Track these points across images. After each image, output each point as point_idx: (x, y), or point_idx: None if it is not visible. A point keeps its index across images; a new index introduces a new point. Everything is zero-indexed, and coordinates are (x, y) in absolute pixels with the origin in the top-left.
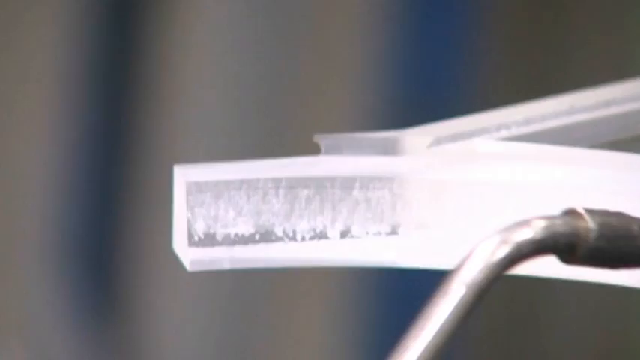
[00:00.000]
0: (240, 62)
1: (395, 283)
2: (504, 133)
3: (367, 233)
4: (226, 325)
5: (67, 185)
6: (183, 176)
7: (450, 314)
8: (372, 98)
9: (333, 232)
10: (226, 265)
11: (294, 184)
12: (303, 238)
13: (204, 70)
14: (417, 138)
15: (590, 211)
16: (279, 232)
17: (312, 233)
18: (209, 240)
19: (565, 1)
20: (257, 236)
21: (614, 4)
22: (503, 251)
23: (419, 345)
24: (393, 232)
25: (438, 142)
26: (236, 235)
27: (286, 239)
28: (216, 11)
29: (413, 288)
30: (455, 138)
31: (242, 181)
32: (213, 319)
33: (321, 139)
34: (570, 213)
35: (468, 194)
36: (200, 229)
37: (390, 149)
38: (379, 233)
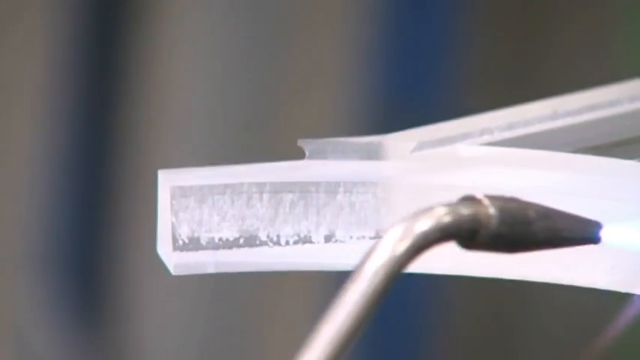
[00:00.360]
0: (224, 67)
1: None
2: (487, 138)
3: (351, 237)
4: (211, 329)
5: (51, 189)
6: (168, 181)
7: (360, 302)
8: (355, 103)
9: (318, 237)
10: (210, 270)
11: (278, 189)
12: (287, 243)
13: (189, 74)
14: (400, 143)
15: (490, 197)
16: (263, 236)
17: (296, 237)
18: (193, 244)
19: (548, 6)
20: (241, 240)
21: (597, 10)
22: (409, 239)
23: (330, 333)
24: (377, 236)
25: (422, 146)
26: (220, 239)
27: (270, 243)
28: (201, 16)
29: (396, 291)
30: (438, 143)
31: (226, 186)
32: (197, 323)
33: (306, 144)
34: (471, 199)
35: (451, 198)
36: (184, 233)
37: (374, 154)
38: (363, 237)
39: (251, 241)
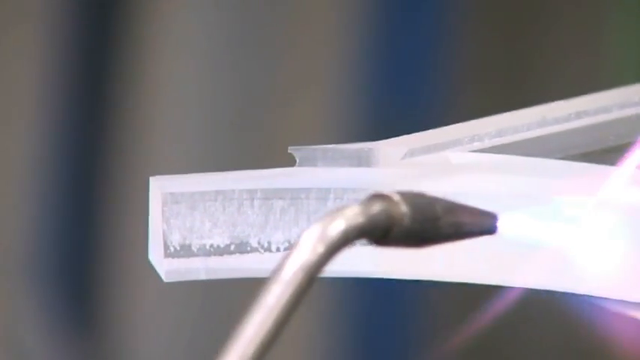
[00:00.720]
0: (215, 74)
1: (371, 294)
2: (477, 145)
3: None
4: (203, 336)
5: (42, 196)
6: (159, 187)
7: (279, 306)
8: (346, 110)
9: None
10: (202, 276)
11: (269, 195)
12: (278, 249)
13: (180, 81)
14: (390, 149)
15: (401, 194)
16: (254, 242)
17: (287, 244)
18: (185, 251)
19: (538, 14)
20: (232, 247)
21: (586, 17)
22: (326, 240)
23: (248, 337)
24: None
25: (412, 153)
26: (212, 245)
27: (261, 250)
28: (191, 23)
29: (389, 298)
30: (428, 149)
31: (217, 192)
32: (189, 330)
33: (296, 151)
34: (383, 197)
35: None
36: (176, 240)
37: (364, 160)
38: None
39: (242, 247)
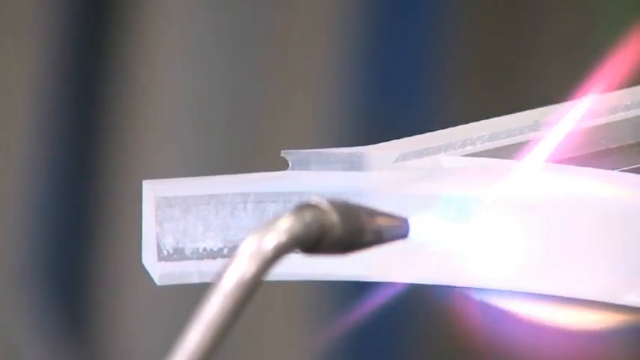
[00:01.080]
0: (208, 78)
1: (363, 297)
2: (470, 149)
3: None
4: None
5: (34, 200)
6: (152, 191)
7: (220, 318)
8: (338, 114)
9: None
10: (195, 280)
11: (262, 199)
12: None
13: (173, 85)
14: (383, 153)
15: (331, 203)
16: None
17: None
18: (178, 254)
19: (530, 17)
20: (225, 250)
21: (578, 21)
22: (264, 252)
23: (188, 349)
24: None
25: (404, 157)
26: (205, 249)
27: None
28: (183, 27)
29: (383, 302)
30: (421, 153)
31: (210, 196)
32: (182, 332)
33: (289, 155)
34: (314, 206)
35: (433, 209)
36: (169, 243)
37: (357, 165)
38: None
39: (235, 251)
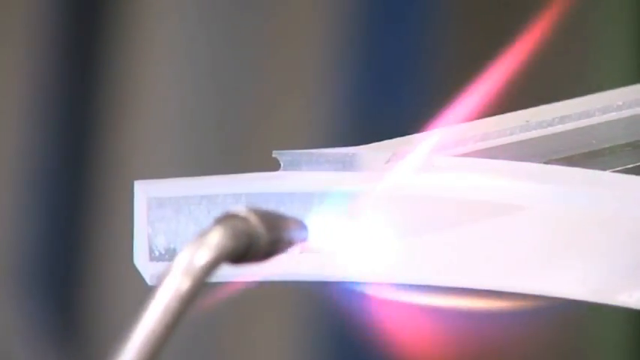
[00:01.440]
0: (199, 78)
1: (354, 299)
2: (461, 149)
3: (326, 248)
4: (188, 340)
5: (26, 200)
6: (144, 191)
7: (154, 335)
8: (330, 114)
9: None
10: None
11: (253, 200)
12: None
13: (164, 85)
14: (375, 154)
15: (256, 213)
16: None
17: None
18: (170, 255)
19: (521, 18)
20: None
21: (569, 21)
22: (196, 269)
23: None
24: (352, 247)
25: (396, 157)
26: None
27: None
28: (175, 27)
29: (372, 303)
30: (412, 154)
31: (202, 197)
32: (175, 334)
33: (280, 155)
34: (240, 218)
35: (425, 210)
36: (161, 243)
37: (349, 165)
38: (337, 249)
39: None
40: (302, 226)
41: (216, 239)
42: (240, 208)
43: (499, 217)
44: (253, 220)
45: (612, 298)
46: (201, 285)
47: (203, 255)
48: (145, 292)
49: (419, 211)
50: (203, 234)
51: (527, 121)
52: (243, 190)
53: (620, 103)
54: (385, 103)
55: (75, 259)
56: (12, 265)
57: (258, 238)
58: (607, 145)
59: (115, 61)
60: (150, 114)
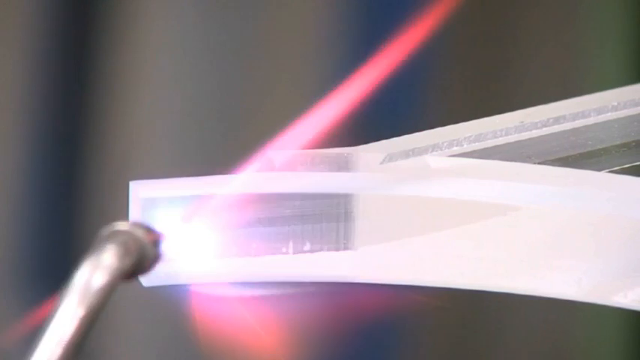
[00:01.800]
0: (195, 78)
1: (349, 300)
2: (456, 149)
3: (320, 249)
4: (184, 341)
5: (20, 201)
6: (139, 192)
7: (62, 335)
8: (325, 114)
9: (287, 248)
10: (182, 281)
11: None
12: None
13: (160, 85)
14: (369, 154)
15: (141, 228)
16: None
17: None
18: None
19: (515, 18)
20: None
21: (563, 22)
22: (91, 292)
23: None
24: (347, 247)
25: (391, 158)
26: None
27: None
28: (170, 27)
29: (367, 303)
30: (407, 154)
31: (197, 197)
32: (169, 335)
33: (276, 155)
34: (131, 235)
35: (420, 210)
36: None
37: (344, 165)
38: (332, 249)
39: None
40: (160, 236)
41: (110, 259)
42: (123, 223)
43: (494, 217)
44: (141, 235)
45: (607, 299)
46: (100, 308)
47: (99, 277)
48: (141, 292)
49: (413, 211)
50: (96, 253)
51: (522, 122)
52: (239, 191)
53: (616, 103)
54: (379, 103)
55: (70, 259)
56: (8, 265)
57: (147, 254)
58: (602, 146)
59: (112, 61)
60: (145, 115)
